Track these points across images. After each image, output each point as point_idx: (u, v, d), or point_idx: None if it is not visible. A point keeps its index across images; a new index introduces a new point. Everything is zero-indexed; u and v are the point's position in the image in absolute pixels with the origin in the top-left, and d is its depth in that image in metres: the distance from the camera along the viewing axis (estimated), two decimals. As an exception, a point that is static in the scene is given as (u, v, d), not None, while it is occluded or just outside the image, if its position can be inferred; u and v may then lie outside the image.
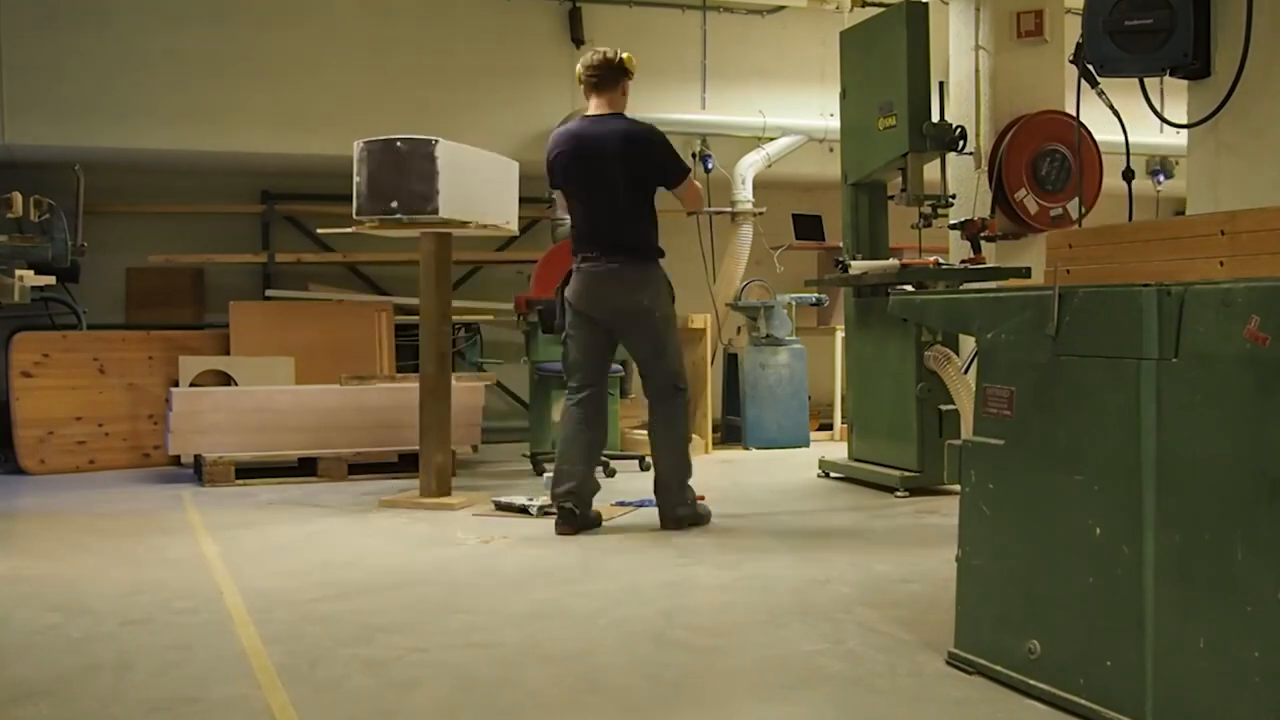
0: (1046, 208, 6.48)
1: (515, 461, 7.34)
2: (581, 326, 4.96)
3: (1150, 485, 2.38)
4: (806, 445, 7.98)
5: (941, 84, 5.95)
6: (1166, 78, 4.61)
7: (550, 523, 4.92)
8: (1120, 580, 2.43)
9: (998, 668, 2.75)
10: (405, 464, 6.39)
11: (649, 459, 5.19)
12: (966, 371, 5.26)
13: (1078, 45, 4.63)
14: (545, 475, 5.65)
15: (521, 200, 5.99)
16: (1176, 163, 9.29)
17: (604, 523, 5.02)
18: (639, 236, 4.93)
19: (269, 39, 7.63)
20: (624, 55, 4.96)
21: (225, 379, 7.25)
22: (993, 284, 5.49)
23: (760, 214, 8.48)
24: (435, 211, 5.21)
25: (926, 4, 5.96)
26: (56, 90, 7.25)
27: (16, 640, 3.27)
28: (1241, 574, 2.20)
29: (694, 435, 6.70)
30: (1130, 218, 5.00)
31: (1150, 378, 2.38)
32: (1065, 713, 2.54)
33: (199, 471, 6.52)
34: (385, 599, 3.74)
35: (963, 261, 6.07)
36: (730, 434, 8.32)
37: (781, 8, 8.54)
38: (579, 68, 5.00)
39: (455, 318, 7.41)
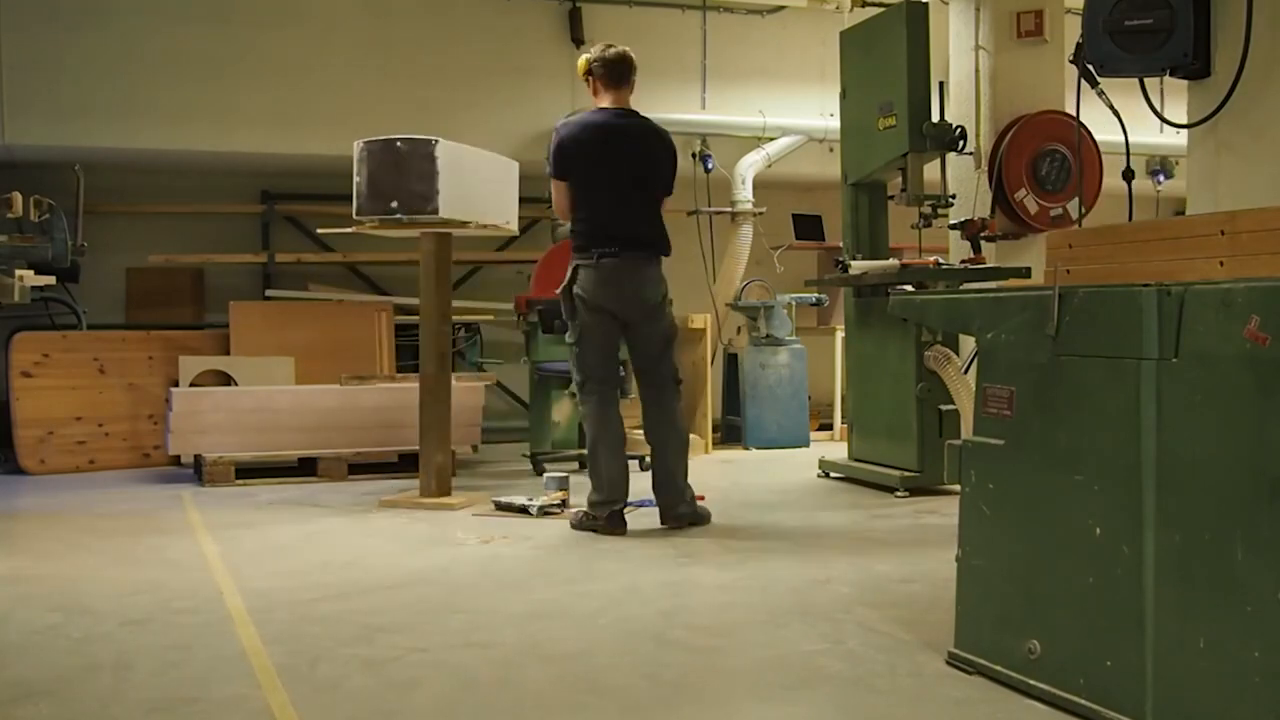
0: (1046, 208, 6.47)
1: (515, 461, 7.33)
2: (599, 323, 4.89)
3: (1150, 485, 2.38)
4: (806, 445, 7.98)
5: (941, 84, 5.95)
6: (1166, 78, 4.61)
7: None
8: (1120, 580, 2.43)
9: (998, 668, 2.75)
10: (405, 464, 6.39)
11: (649, 459, 5.19)
12: (966, 371, 5.26)
13: (1078, 45, 4.63)
14: (545, 475, 5.64)
15: (521, 200, 6.00)
16: (1176, 163, 9.29)
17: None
18: (657, 233, 4.96)
19: (269, 39, 7.63)
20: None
21: (225, 379, 7.25)
22: (993, 284, 5.49)
23: (760, 214, 8.49)
24: (435, 211, 5.21)
25: (926, 4, 5.96)
26: (56, 90, 7.24)
27: (16, 640, 3.27)
28: (1241, 574, 2.20)
29: (694, 435, 6.70)
30: (1130, 218, 5.00)
31: (1150, 378, 2.38)
32: (1065, 713, 2.54)
33: (199, 471, 6.52)
34: (385, 599, 3.74)
35: (963, 261, 6.07)
36: (730, 434, 8.31)
37: (781, 8, 8.54)
38: (589, 62, 4.96)
39: (455, 318, 7.42)
